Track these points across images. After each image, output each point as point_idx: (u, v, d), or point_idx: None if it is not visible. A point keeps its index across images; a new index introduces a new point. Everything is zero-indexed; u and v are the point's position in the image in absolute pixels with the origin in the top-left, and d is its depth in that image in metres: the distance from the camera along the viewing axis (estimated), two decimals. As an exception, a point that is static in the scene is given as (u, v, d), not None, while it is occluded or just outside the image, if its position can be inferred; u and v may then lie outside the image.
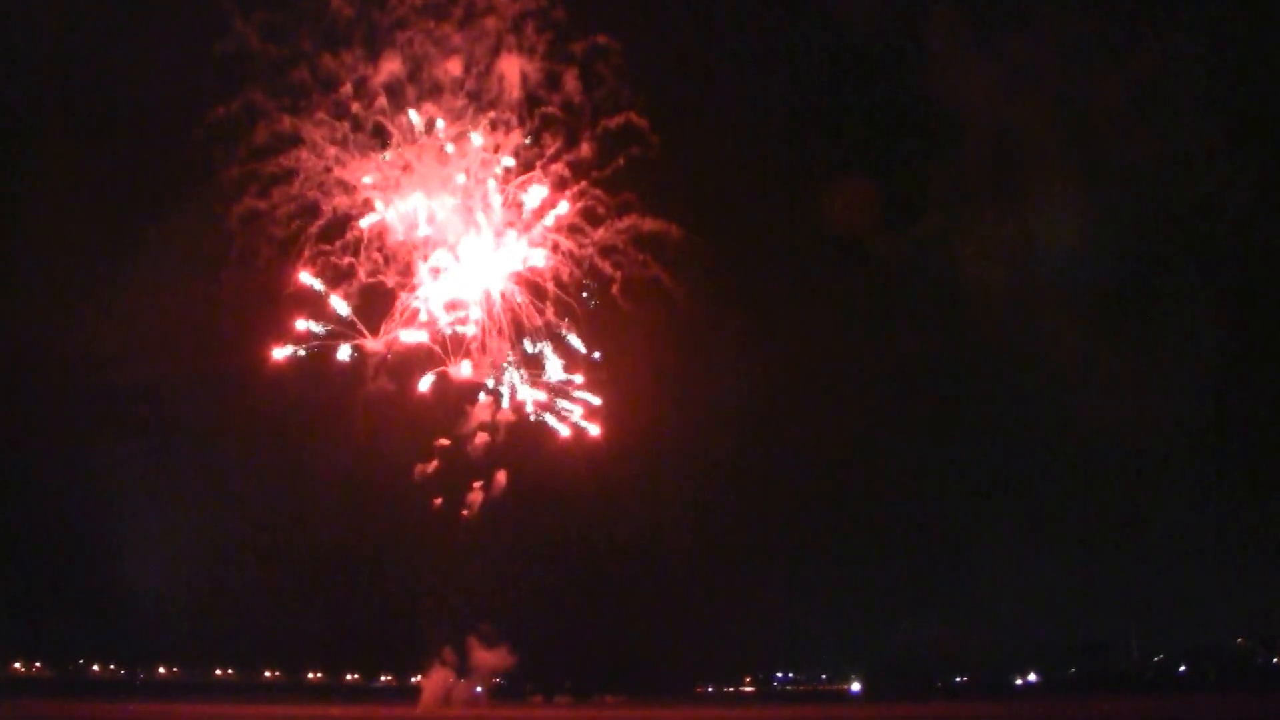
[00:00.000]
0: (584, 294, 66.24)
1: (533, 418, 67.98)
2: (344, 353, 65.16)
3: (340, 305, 64.84)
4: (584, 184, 65.12)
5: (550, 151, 64.84)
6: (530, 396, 67.94)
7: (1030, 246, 69.97)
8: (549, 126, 64.59)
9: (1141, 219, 70.92)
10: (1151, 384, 69.97)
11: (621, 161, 64.09)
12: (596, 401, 67.04)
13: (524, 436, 68.18)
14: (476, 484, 68.50)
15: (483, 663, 70.49)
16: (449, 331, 67.16)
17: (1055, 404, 74.39)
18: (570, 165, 64.78)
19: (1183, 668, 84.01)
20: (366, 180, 64.86)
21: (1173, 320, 70.79)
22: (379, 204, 65.53)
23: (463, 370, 67.40)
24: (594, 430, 67.04)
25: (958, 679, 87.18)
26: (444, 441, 68.19)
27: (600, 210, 65.51)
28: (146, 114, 67.01)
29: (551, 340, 67.09)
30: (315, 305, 64.92)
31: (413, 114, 64.34)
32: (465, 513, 68.26)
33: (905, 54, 71.49)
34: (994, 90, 68.67)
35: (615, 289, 65.81)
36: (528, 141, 65.09)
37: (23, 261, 70.28)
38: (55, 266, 69.98)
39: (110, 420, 71.80)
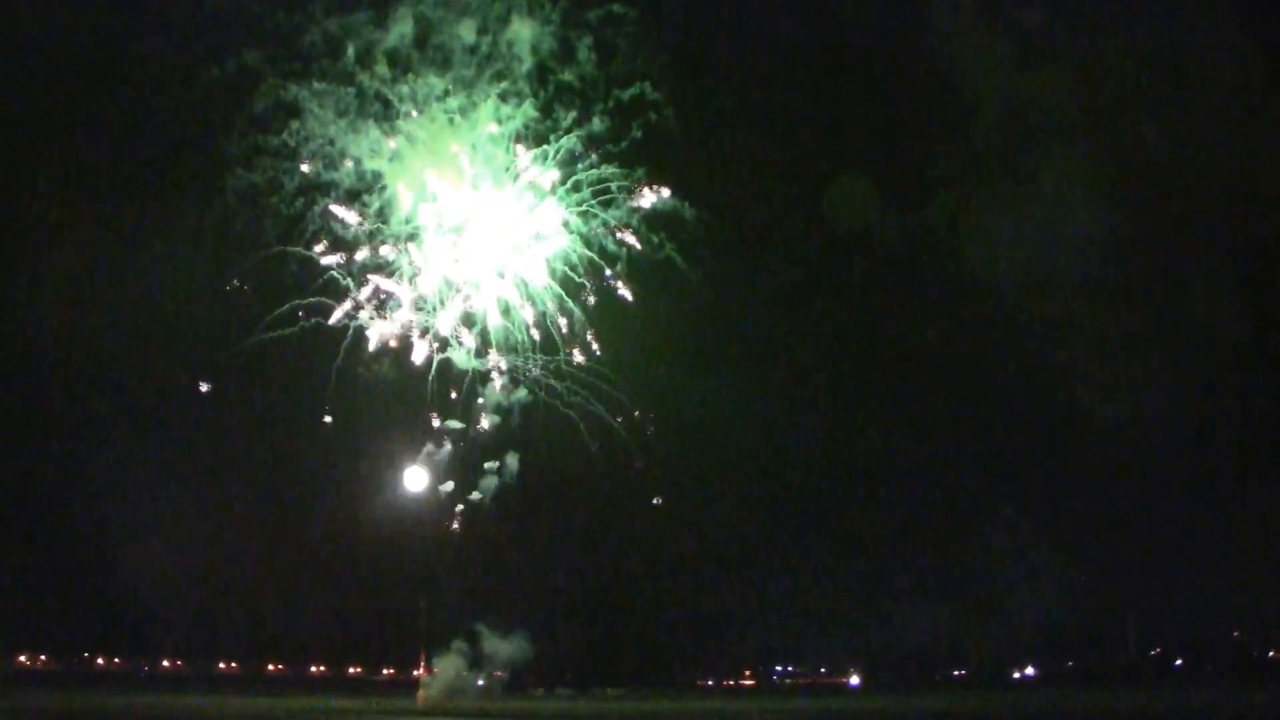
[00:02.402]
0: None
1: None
2: (348, 335, 65.05)
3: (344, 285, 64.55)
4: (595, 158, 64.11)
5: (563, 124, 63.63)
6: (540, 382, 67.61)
7: (1041, 230, 68.06)
8: (561, 96, 63.33)
9: (1160, 201, 68.72)
10: (1155, 376, 69.42)
11: (637, 135, 63.18)
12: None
13: (529, 424, 68.13)
14: (487, 466, 68.24)
15: (493, 655, 70.53)
16: (457, 311, 66.83)
17: (1055, 396, 74.10)
18: (582, 139, 63.72)
19: (1179, 661, 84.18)
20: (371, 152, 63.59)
21: (1182, 312, 70.11)
22: (385, 178, 64.52)
23: (471, 350, 67.15)
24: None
25: (956, 672, 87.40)
26: (455, 424, 67.92)
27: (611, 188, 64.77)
28: (132, 83, 64.77)
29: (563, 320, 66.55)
30: (317, 286, 64.69)
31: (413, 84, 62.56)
32: (477, 495, 67.94)
33: (914, 27, 68.63)
34: (1005, 63, 66.69)
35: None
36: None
37: (15, 255, 69.65)
38: (48, 258, 69.06)
39: (113, 413, 71.90)
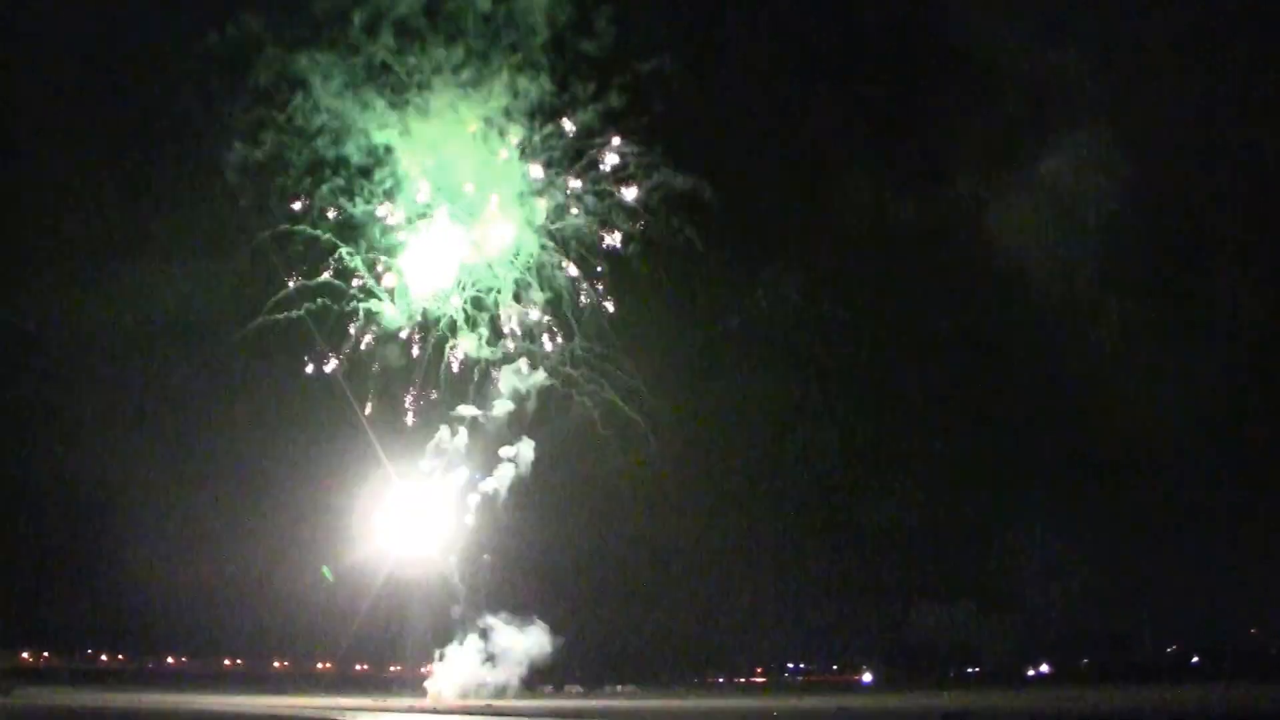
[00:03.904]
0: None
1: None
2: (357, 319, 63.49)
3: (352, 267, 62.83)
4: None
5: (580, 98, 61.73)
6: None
7: (1062, 217, 67.17)
8: (578, 69, 61.19)
9: (1190, 185, 67.34)
10: (1178, 372, 68.32)
11: (657, 110, 61.18)
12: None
13: (545, 411, 66.73)
14: (503, 453, 66.62)
15: (506, 651, 69.48)
16: (470, 294, 65.30)
17: (1074, 391, 73.76)
18: (599, 114, 61.89)
19: (1196, 659, 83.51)
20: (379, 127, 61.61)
21: (1207, 305, 69.09)
22: (394, 153, 62.63)
23: (484, 336, 65.67)
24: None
25: (970, 669, 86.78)
26: (470, 410, 66.20)
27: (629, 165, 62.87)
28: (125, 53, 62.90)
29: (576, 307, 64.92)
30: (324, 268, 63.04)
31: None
32: (491, 482, 66.50)
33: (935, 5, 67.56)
34: (1027, 37, 64.98)
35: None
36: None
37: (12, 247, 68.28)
38: (50, 251, 68.02)
39: (117, 408, 71.48)
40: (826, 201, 70.97)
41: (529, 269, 65.64)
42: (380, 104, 61.68)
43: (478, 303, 65.92)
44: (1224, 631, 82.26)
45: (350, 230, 63.73)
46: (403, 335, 65.21)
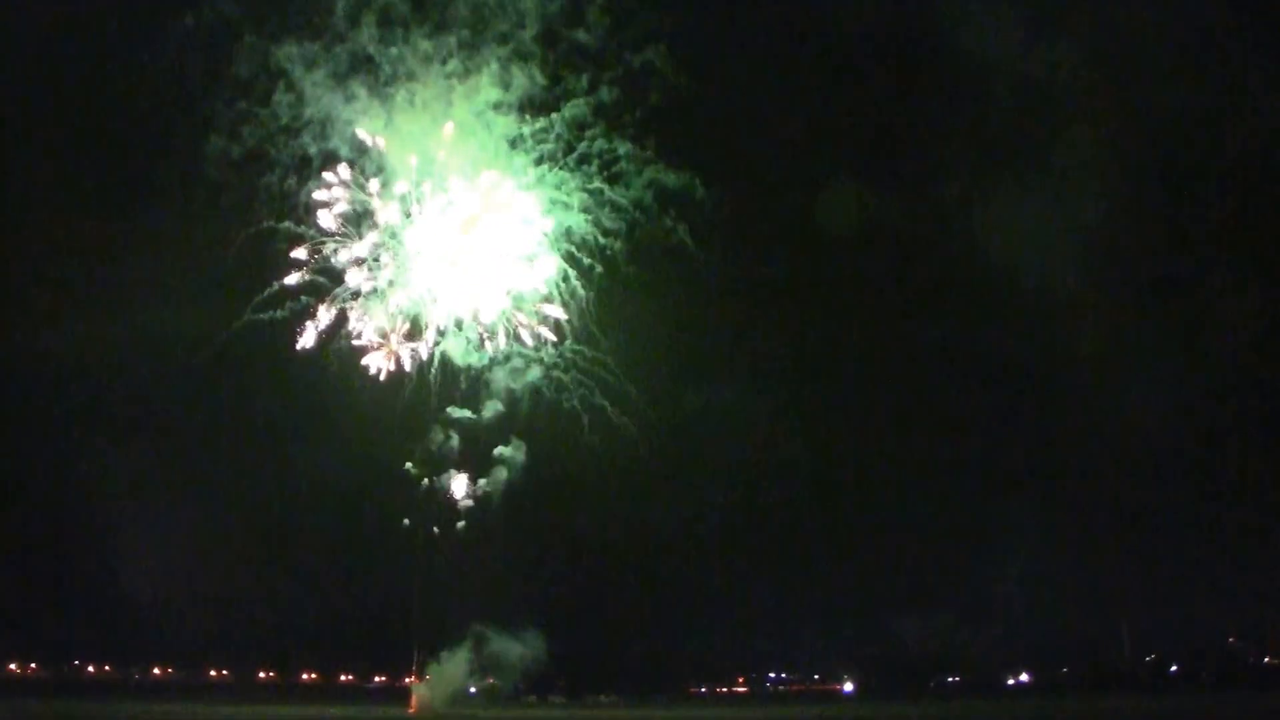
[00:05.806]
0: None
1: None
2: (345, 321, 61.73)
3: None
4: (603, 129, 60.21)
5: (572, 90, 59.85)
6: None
7: (1054, 219, 65.49)
8: (569, 61, 59.41)
9: (1181, 189, 66.86)
10: (1158, 385, 68.20)
11: (654, 102, 59.45)
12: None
13: (535, 412, 65.11)
14: (497, 453, 65.35)
15: (494, 660, 69.24)
16: (458, 294, 63.35)
17: (1052, 401, 74.25)
18: (590, 108, 60.02)
19: (1174, 668, 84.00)
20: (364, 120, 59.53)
21: (1192, 315, 68.50)
22: (379, 148, 60.62)
23: (473, 341, 64.17)
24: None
25: (950, 679, 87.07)
26: (462, 413, 64.68)
27: (620, 162, 61.06)
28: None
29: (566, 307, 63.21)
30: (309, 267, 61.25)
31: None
32: (484, 482, 65.60)
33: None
34: (1020, 37, 63.77)
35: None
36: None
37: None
38: (36, 261, 66.55)
39: (103, 419, 70.87)
40: (815, 201, 69.61)
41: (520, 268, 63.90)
42: (365, 96, 60.01)
43: (466, 302, 63.95)
44: (1202, 641, 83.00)
45: (335, 228, 61.87)
46: (391, 336, 63.67)
